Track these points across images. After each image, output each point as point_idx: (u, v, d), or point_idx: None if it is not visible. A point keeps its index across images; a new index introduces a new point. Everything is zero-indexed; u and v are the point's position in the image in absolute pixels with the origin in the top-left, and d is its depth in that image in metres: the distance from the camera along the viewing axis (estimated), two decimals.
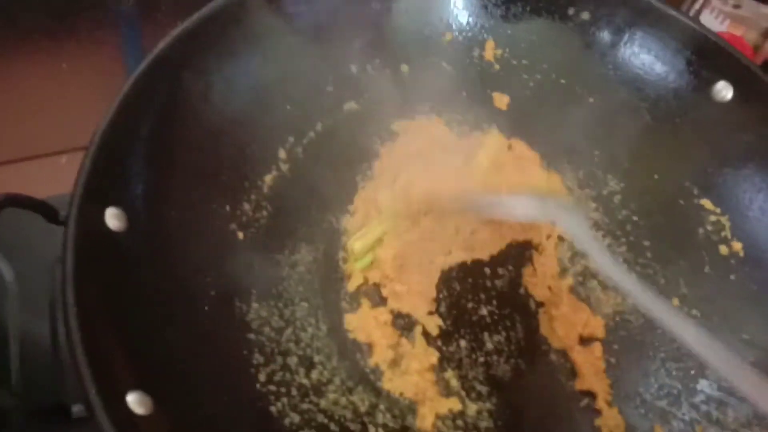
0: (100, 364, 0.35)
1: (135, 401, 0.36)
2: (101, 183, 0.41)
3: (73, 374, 0.35)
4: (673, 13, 0.56)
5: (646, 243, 0.58)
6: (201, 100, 0.50)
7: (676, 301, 0.54)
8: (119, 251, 0.41)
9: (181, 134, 0.48)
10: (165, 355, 0.41)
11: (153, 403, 0.37)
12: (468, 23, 0.61)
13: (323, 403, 0.47)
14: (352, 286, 0.54)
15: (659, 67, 0.57)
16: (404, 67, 0.61)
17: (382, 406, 0.48)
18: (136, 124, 0.45)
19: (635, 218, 0.59)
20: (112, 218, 0.42)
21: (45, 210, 0.41)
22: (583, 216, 0.58)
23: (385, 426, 0.47)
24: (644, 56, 0.58)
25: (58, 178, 0.46)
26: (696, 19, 0.58)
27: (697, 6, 0.77)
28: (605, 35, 0.59)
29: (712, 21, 0.76)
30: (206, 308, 0.46)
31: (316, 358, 0.49)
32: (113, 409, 0.34)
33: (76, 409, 0.35)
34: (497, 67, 0.62)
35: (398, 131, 0.61)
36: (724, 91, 0.54)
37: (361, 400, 0.48)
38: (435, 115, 0.62)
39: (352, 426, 0.46)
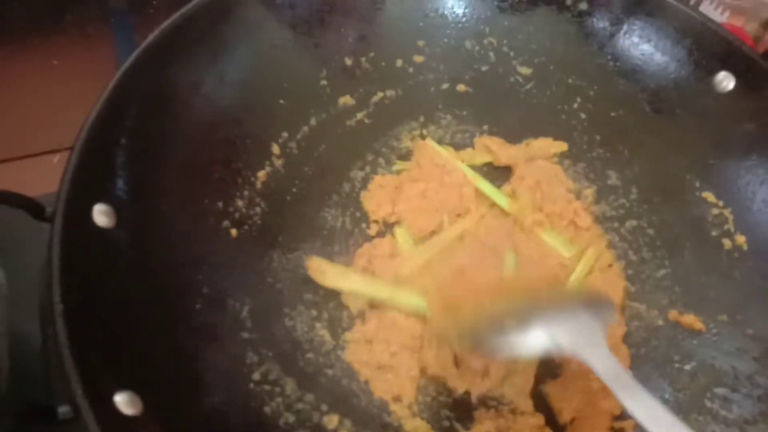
0: (87, 365, 0.34)
1: (124, 401, 0.36)
2: (89, 178, 0.40)
3: (59, 375, 0.34)
4: (673, 2, 0.55)
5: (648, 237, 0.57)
6: (191, 95, 0.49)
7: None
8: (107, 248, 0.40)
9: (171, 129, 0.47)
10: (155, 354, 0.40)
11: (142, 403, 0.36)
12: (464, 14, 0.60)
13: None
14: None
15: (659, 58, 0.56)
16: (399, 62, 0.61)
17: None
18: (124, 119, 0.44)
19: (636, 211, 0.57)
20: (100, 214, 0.41)
21: (30, 206, 0.40)
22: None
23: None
24: (644, 46, 0.57)
25: (50, 178, 0.45)
26: (696, 8, 0.57)
27: None
28: (604, 25, 0.58)
29: (712, 12, 0.74)
30: (198, 306, 0.46)
31: None
32: (100, 410, 0.33)
33: (63, 410, 0.34)
34: (494, 59, 0.61)
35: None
36: (725, 81, 0.53)
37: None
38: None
39: None
